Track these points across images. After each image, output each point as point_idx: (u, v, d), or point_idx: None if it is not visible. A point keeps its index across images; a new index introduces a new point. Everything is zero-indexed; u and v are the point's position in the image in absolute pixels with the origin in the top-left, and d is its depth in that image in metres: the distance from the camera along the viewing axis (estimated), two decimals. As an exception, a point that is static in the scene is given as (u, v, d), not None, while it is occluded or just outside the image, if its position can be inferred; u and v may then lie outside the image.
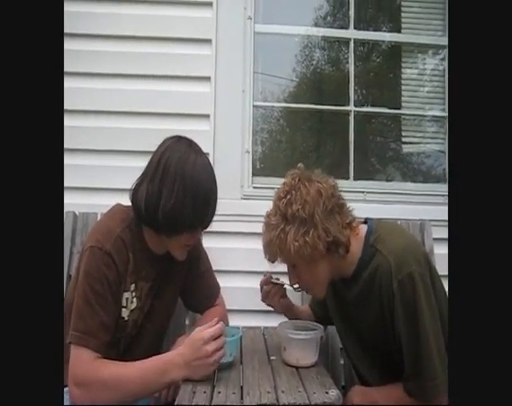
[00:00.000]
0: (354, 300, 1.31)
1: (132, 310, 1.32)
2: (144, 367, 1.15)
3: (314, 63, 2.48)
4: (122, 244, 1.26)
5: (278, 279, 1.49)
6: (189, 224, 1.27)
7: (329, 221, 1.21)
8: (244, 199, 2.12)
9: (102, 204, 1.48)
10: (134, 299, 1.32)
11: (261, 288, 1.52)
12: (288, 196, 1.22)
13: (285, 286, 1.48)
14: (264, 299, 1.53)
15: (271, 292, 1.50)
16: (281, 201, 1.23)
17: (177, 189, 1.23)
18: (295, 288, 1.40)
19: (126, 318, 1.31)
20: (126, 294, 1.30)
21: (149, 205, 1.25)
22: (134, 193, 1.30)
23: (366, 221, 1.34)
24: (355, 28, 2.33)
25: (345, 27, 2.35)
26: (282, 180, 1.29)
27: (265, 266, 1.99)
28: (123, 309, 1.30)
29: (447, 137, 2.33)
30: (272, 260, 1.28)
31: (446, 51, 2.37)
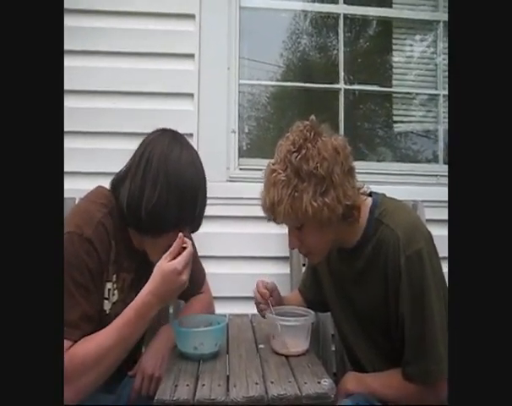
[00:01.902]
0: (355, 276, 1.25)
1: (114, 303, 1.24)
2: (119, 324, 1.09)
3: (302, 48, 2.41)
4: (104, 230, 1.18)
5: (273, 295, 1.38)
6: (175, 224, 1.19)
7: (347, 183, 1.13)
8: (230, 181, 2.03)
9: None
10: (116, 291, 1.24)
11: (257, 301, 1.38)
12: (303, 151, 1.11)
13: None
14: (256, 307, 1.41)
15: (262, 311, 1.36)
16: (293, 155, 1.11)
17: (160, 186, 1.16)
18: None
19: (108, 311, 1.22)
20: (108, 285, 1.21)
21: (131, 204, 1.18)
22: (117, 187, 1.23)
23: (370, 194, 1.27)
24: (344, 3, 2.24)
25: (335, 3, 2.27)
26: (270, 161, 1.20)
27: (252, 250, 1.96)
28: (105, 302, 1.21)
29: (441, 117, 2.28)
30: (278, 221, 1.18)
31: (438, 30, 2.31)
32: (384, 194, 1.28)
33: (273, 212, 1.15)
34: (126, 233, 1.26)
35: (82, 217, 1.17)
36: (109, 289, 1.22)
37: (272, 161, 1.18)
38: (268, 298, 1.33)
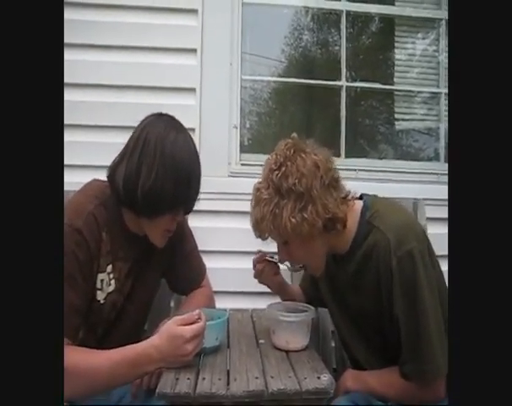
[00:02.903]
0: (348, 279, 1.25)
1: (109, 293, 1.24)
2: (115, 358, 1.06)
3: (303, 44, 2.41)
4: (95, 221, 1.18)
5: (272, 257, 1.42)
6: (171, 204, 1.20)
7: (327, 196, 1.13)
8: (232, 176, 2.04)
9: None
10: (112, 281, 1.25)
11: (254, 265, 1.43)
12: (283, 168, 1.12)
13: (280, 264, 1.41)
14: (257, 277, 1.45)
15: (265, 270, 1.42)
16: (274, 173, 1.13)
17: (156, 167, 1.17)
18: (290, 268, 1.35)
19: (102, 301, 1.23)
20: (101, 276, 1.22)
21: (127, 184, 1.18)
22: (112, 171, 1.23)
23: (361, 197, 1.27)
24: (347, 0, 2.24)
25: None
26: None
27: (253, 245, 1.93)
28: (98, 292, 1.22)
29: (443, 115, 2.28)
30: (263, 237, 1.20)
31: (440, 28, 2.31)
32: (375, 195, 1.29)
33: (257, 229, 1.19)
34: (121, 223, 1.26)
35: (73, 209, 1.18)
36: (102, 280, 1.22)
37: (259, 179, 1.20)
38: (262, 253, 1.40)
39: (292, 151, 1.15)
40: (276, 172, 1.13)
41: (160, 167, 1.17)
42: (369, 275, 1.18)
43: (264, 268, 1.41)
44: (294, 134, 1.22)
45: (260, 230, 1.18)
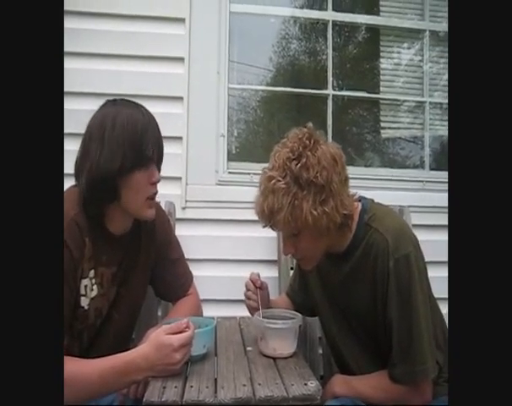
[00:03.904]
0: (344, 279, 1.26)
1: (92, 298, 1.24)
2: (103, 367, 1.06)
3: (291, 53, 2.42)
4: (77, 227, 1.18)
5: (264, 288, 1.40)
6: (130, 167, 1.20)
7: (343, 192, 1.14)
8: (219, 184, 2.03)
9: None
10: (94, 287, 1.25)
11: (246, 288, 1.40)
12: (303, 159, 1.10)
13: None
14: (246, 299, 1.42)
15: (251, 304, 1.38)
16: (293, 163, 1.10)
17: (105, 143, 1.18)
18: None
19: (86, 307, 1.23)
20: (84, 281, 1.22)
21: (87, 177, 1.20)
22: (75, 174, 1.25)
23: (359, 199, 1.28)
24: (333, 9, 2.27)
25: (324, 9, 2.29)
26: (259, 165, 1.21)
27: (241, 253, 1.96)
28: (82, 298, 1.22)
29: (428, 124, 2.31)
30: (276, 228, 1.19)
31: (424, 38, 2.34)
32: (372, 200, 1.30)
33: (272, 220, 1.15)
34: (103, 227, 1.26)
35: None
36: (85, 285, 1.22)
37: (268, 166, 1.17)
38: (258, 285, 1.35)
39: (312, 142, 1.13)
40: (295, 161, 1.11)
41: (99, 145, 1.18)
42: (365, 274, 1.19)
43: (251, 302, 1.38)
44: (309, 124, 1.20)
45: (275, 221, 1.14)
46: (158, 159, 1.27)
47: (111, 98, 1.30)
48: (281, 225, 1.14)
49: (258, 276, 1.39)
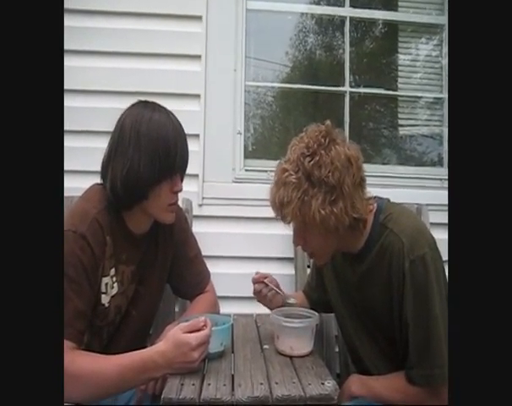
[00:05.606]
0: (359, 280, 1.25)
1: (113, 296, 1.26)
2: (122, 363, 1.08)
3: (308, 47, 2.40)
4: (99, 226, 1.20)
5: (271, 281, 1.42)
6: (155, 179, 1.21)
7: (356, 195, 1.13)
8: (236, 182, 2.04)
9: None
10: (115, 284, 1.26)
11: (253, 285, 1.43)
12: (316, 157, 1.10)
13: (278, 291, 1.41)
14: (255, 295, 1.45)
15: (262, 291, 1.41)
16: (306, 159, 1.11)
17: (131, 152, 1.19)
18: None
19: (106, 304, 1.24)
20: (105, 279, 1.23)
21: (113, 182, 1.21)
22: (102, 171, 1.26)
23: (375, 198, 1.27)
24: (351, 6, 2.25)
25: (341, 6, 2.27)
26: (275, 163, 1.21)
27: (257, 250, 1.97)
28: (103, 296, 1.23)
29: (447, 120, 2.28)
30: (285, 221, 1.19)
31: (443, 33, 2.31)
32: (388, 199, 1.29)
33: (281, 212, 1.16)
34: (123, 226, 1.28)
35: (77, 215, 1.20)
36: (106, 283, 1.23)
37: (284, 158, 1.18)
38: (263, 277, 1.39)
39: (327, 140, 1.13)
40: (309, 158, 1.11)
41: (135, 150, 1.19)
42: (380, 276, 1.18)
43: (262, 290, 1.40)
44: (328, 122, 1.19)
45: (284, 213, 1.15)
46: (183, 169, 1.29)
47: (142, 98, 1.31)
48: (290, 218, 1.15)
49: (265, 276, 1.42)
